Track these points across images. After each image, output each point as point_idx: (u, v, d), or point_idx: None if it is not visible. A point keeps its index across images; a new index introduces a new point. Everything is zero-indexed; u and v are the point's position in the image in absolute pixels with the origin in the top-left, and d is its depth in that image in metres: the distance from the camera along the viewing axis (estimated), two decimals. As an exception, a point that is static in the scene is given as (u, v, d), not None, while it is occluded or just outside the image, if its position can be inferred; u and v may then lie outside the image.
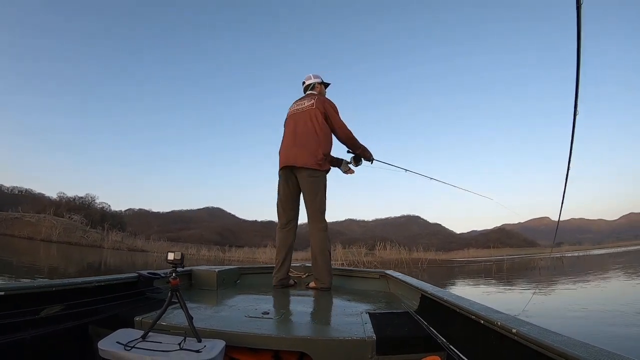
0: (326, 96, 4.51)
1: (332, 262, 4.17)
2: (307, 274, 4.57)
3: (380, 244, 29.78)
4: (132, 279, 2.94)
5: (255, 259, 30.55)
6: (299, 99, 4.43)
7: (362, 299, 3.43)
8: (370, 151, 4.48)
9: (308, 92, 4.51)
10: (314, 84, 4.53)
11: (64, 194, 70.03)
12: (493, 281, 13.22)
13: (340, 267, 4.86)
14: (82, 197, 72.34)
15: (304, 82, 4.61)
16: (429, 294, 2.44)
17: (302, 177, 4.06)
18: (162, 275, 3.12)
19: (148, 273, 3.05)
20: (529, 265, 22.26)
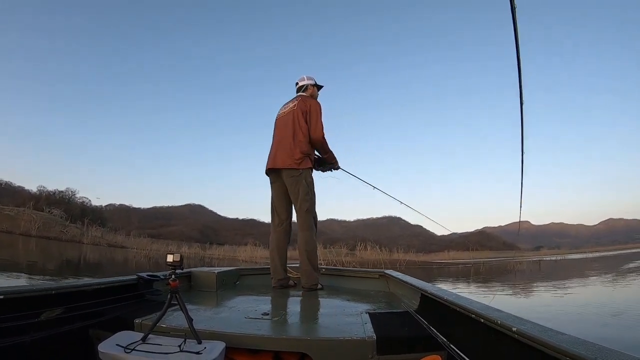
0: (318, 98, 4.54)
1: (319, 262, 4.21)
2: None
3: (361, 245, 29.83)
4: (131, 281, 2.94)
5: (235, 257, 30.39)
6: (288, 101, 4.48)
7: (361, 298, 3.46)
8: (337, 159, 4.56)
9: (299, 93, 4.53)
10: (307, 85, 4.56)
11: (44, 187, 68.67)
12: (468, 283, 13.37)
13: (340, 267, 4.89)
14: (62, 191, 71.03)
15: (297, 83, 4.64)
16: (429, 293, 2.45)
17: (284, 178, 4.14)
18: (162, 277, 3.12)
19: (147, 275, 3.05)
20: (505, 268, 22.46)
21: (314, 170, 4.41)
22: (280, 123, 4.35)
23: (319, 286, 4.03)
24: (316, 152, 4.45)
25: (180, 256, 2.03)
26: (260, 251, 32.04)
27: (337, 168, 4.66)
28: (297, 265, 4.13)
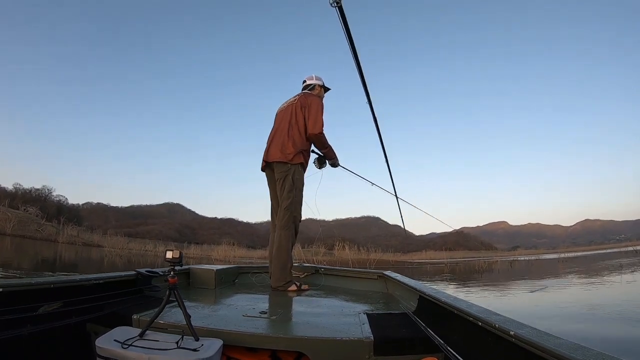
0: (323, 99, 4.44)
1: (292, 262, 4.14)
2: (305, 274, 4.59)
3: (339, 244, 29.85)
4: (130, 277, 2.94)
5: (209, 257, 30.17)
6: (291, 97, 4.40)
7: (360, 299, 3.46)
8: (337, 156, 4.46)
9: (304, 91, 4.47)
10: (315, 85, 4.47)
11: (20, 185, 67.93)
12: (435, 282, 13.48)
13: (338, 268, 4.87)
14: (38, 189, 70.41)
15: (304, 81, 4.55)
16: (427, 295, 2.46)
17: (275, 173, 4.08)
18: (161, 273, 3.13)
19: (146, 271, 3.06)
20: (476, 268, 22.50)
21: (313, 169, 4.40)
22: (278, 117, 4.30)
23: (293, 287, 3.91)
24: (316, 150, 4.39)
25: (180, 253, 2.03)
26: (236, 250, 31.84)
27: (336, 165, 4.55)
28: (298, 265, 4.08)
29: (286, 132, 4.05)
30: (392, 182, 5.75)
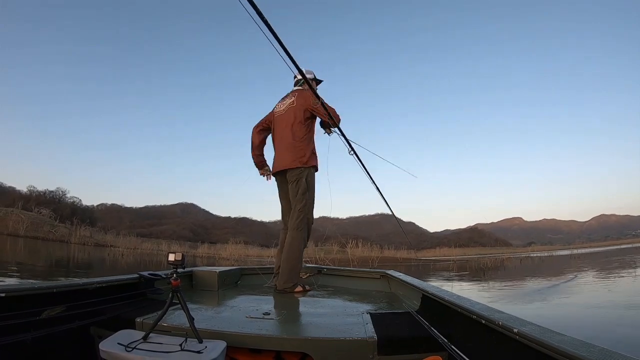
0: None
1: (304, 263, 4.17)
2: (308, 274, 4.58)
3: (352, 242, 29.89)
4: (133, 280, 2.94)
5: (217, 255, 30.32)
6: (283, 98, 4.36)
7: (363, 299, 3.46)
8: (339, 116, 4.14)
9: (296, 87, 4.38)
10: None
11: (34, 187, 68.72)
12: (440, 280, 13.43)
13: (341, 268, 4.88)
14: (52, 191, 71.08)
15: (295, 77, 4.39)
16: (430, 294, 2.45)
17: (288, 177, 4.07)
18: (163, 276, 3.12)
19: (149, 274, 3.05)
20: (482, 265, 22.35)
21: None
22: (280, 122, 4.22)
23: (299, 288, 3.87)
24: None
25: (182, 255, 2.03)
26: (249, 249, 31.92)
27: (337, 125, 4.07)
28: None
29: (296, 138, 4.03)
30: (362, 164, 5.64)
